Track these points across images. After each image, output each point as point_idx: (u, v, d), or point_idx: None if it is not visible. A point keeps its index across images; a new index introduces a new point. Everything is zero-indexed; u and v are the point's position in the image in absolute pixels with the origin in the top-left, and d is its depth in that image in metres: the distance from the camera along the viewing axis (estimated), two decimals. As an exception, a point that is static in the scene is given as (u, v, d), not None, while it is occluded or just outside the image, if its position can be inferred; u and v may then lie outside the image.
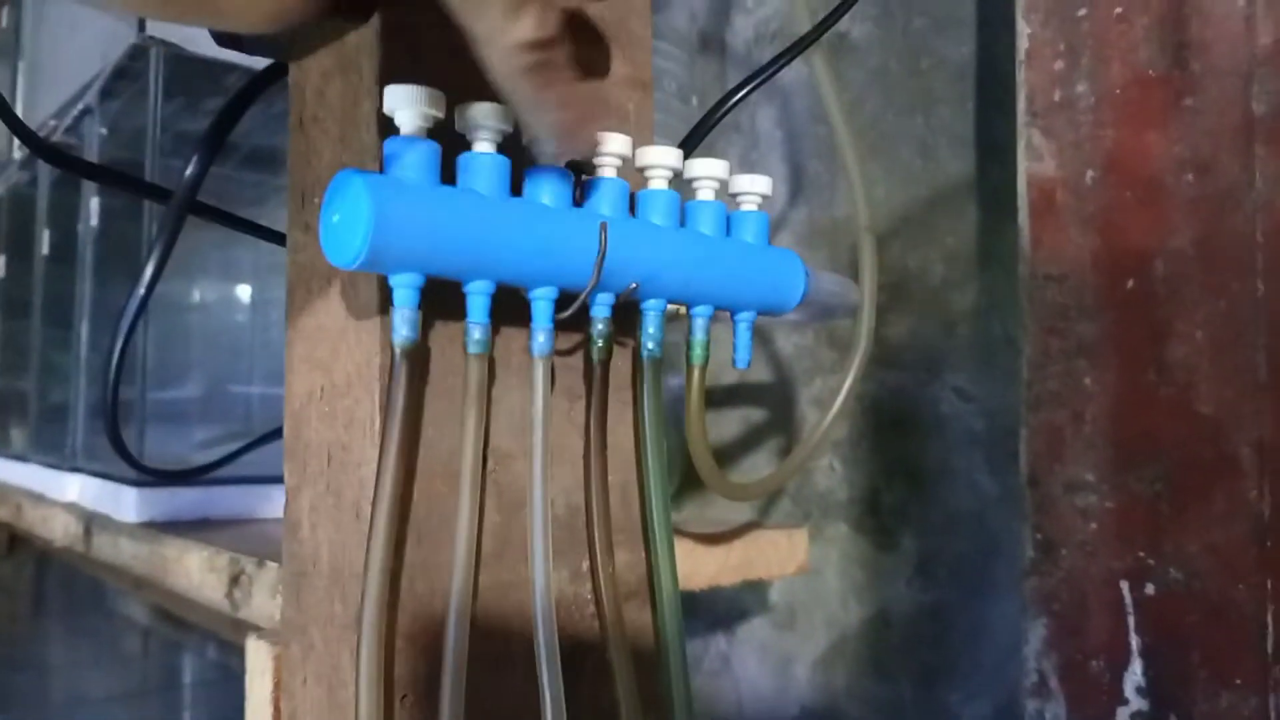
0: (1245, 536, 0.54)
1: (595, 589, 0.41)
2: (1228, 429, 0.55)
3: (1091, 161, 0.61)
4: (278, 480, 0.68)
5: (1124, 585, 0.58)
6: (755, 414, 0.94)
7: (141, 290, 0.45)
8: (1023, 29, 0.63)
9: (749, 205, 0.45)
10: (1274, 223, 0.54)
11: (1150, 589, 0.57)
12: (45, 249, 0.95)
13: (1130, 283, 0.59)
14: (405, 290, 0.35)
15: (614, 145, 0.39)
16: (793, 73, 0.91)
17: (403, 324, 0.35)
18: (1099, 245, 0.60)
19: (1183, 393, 0.56)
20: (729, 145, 0.96)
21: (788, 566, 0.64)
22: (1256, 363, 0.54)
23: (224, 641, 1.14)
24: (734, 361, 0.46)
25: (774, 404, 0.93)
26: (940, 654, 0.78)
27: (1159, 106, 0.58)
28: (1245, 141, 0.55)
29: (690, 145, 0.50)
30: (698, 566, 0.58)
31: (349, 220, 0.32)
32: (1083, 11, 0.61)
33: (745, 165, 0.94)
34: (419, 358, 0.37)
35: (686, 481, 0.86)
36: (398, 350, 0.35)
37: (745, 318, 0.46)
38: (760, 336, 0.92)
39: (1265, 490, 0.54)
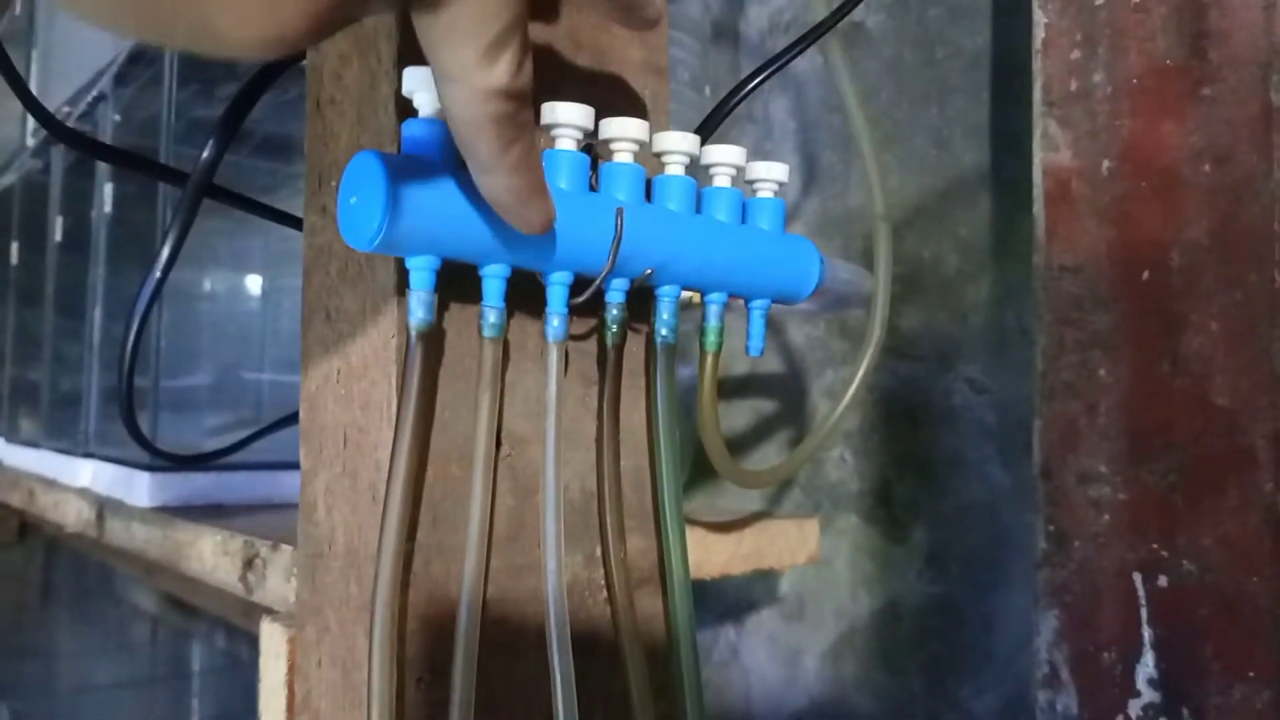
0: (1259, 529, 0.54)
1: (607, 575, 0.41)
2: (1243, 421, 0.55)
3: (1108, 151, 0.60)
4: (289, 466, 0.68)
5: (1137, 577, 0.58)
6: (766, 405, 0.94)
7: (157, 273, 0.45)
8: (1039, 18, 0.63)
9: (765, 192, 0.45)
10: (1291, 214, 0.54)
11: (1163, 581, 0.57)
12: (58, 236, 0.95)
13: (1145, 274, 0.58)
14: (421, 273, 0.35)
15: (631, 130, 0.39)
16: (806, 63, 0.91)
17: (419, 307, 0.35)
18: (1114, 236, 0.60)
19: (1198, 384, 0.56)
20: (742, 135, 0.96)
21: (798, 556, 0.64)
22: (1272, 354, 0.54)
23: (232, 630, 1.15)
24: (748, 349, 0.46)
25: (785, 395, 0.92)
26: (950, 646, 0.78)
27: (1176, 96, 0.58)
28: (1264, 131, 0.55)
29: (705, 132, 0.49)
30: (709, 554, 0.58)
31: (366, 202, 0.32)
32: (1100, 0, 0.61)
33: (759, 155, 0.94)
34: (435, 341, 0.37)
35: (697, 471, 0.86)
36: (413, 333, 0.35)
37: (759, 305, 0.46)
38: (771, 327, 0.92)
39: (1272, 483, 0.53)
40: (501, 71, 0.25)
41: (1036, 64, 0.63)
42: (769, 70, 0.52)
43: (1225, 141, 0.56)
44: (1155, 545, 0.57)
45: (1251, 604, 0.54)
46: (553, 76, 0.41)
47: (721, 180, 0.43)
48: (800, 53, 0.53)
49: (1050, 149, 0.62)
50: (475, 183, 0.30)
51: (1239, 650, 0.54)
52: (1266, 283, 0.54)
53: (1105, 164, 0.60)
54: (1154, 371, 0.58)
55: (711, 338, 0.44)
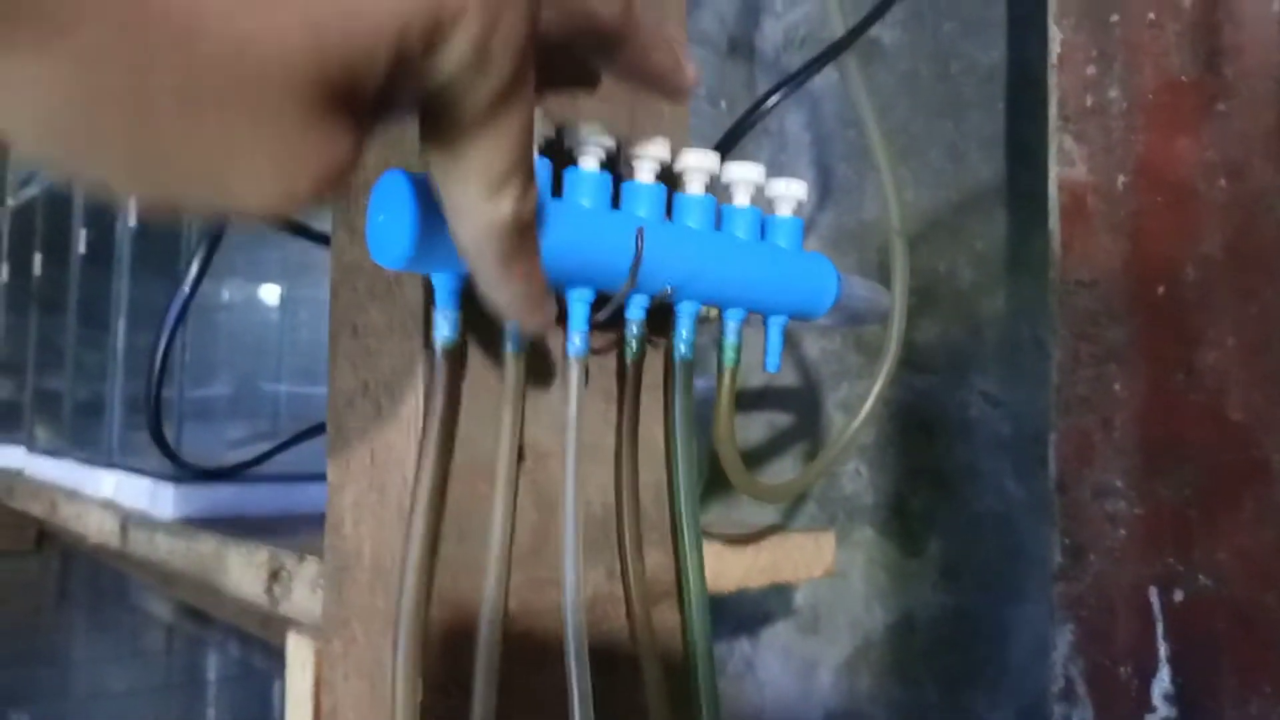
0: (1275, 543, 0.54)
1: (626, 589, 0.42)
2: (1258, 435, 0.55)
3: (1123, 167, 0.61)
4: (310, 478, 0.69)
5: (1153, 591, 0.58)
6: (781, 418, 0.94)
7: (187, 288, 0.45)
8: (1054, 34, 0.63)
9: (784, 210, 0.45)
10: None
11: (1179, 595, 0.57)
12: (82, 248, 0.96)
13: (1161, 288, 0.59)
14: (447, 290, 0.35)
15: (652, 149, 0.39)
16: (821, 77, 0.91)
17: (444, 323, 0.35)
18: (1130, 250, 0.60)
19: (1213, 398, 0.56)
20: (758, 148, 0.97)
21: (814, 569, 0.64)
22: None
23: (247, 638, 1.15)
24: (764, 365, 0.47)
25: (800, 408, 0.93)
26: (965, 658, 0.78)
27: (1191, 111, 0.58)
28: (1278, 146, 0.55)
29: (724, 149, 0.50)
30: (725, 568, 0.58)
31: (393, 221, 0.33)
32: (1115, 17, 0.61)
33: (774, 168, 0.94)
34: (459, 357, 0.38)
35: (713, 482, 0.87)
36: (439, 349, 0.35)
37: (777, 322, 0.46)
38: (786, 340, 0.92)
39: (1297, 497, 0.54)
40: (505, 208, 0.26)
41: (1052, 79, 0.64)
42: (787, 88, 0.53)
43: (1240, 156, 0.57)
44: (1171, 559, 0.57)
45: (1268, 618, 0.54)
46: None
47: (741, 198, 0.43)
48: (818, 70, 0.53)
49: (1066, 164, 0.63)
50: (478, 289, 0.31)
51: (1255, 665, 0.54)
52: (1282, 298, 0.55)
53: (1120, 179, 0.61)
54: (1169, 385, 0.58)
55: (729, 354, 0.45)
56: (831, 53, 0.53)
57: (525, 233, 0.27)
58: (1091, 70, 0.62)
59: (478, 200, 0.26)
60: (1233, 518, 0.55)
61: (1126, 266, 0.60)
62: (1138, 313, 0.59)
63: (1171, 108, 0.59)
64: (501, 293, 0.29)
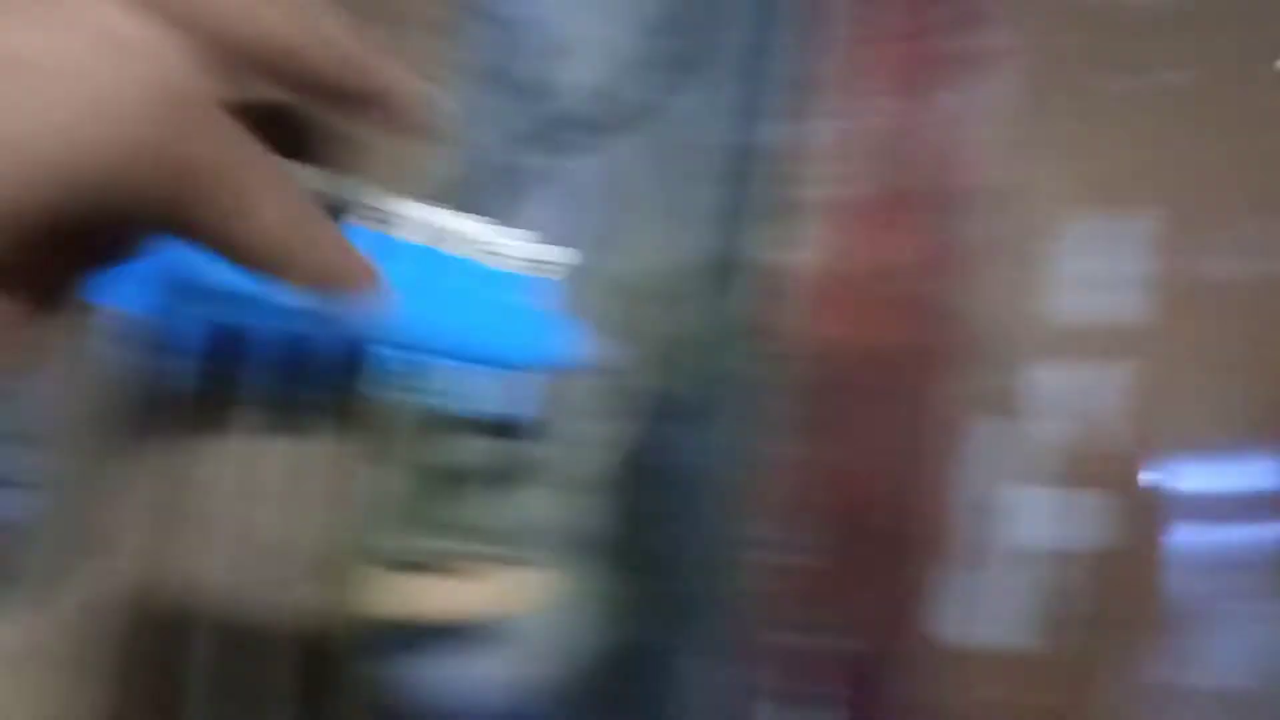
0: (911, 605, 0.62)
1: (317, 621, 0.43)
2: (897, 510, 0.63)
3: (832, 258, 0.68)
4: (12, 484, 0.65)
5: (805, 637, 0.65)
6: (501, 451, 0.96)
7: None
8: (794, 128, 0.71)
9: (518, 265, 0.48)
10: (960, 334, 0.62)
11: (824, 643, 0.64)
12: None
13: (847, 370, 0.66)
14: (160, 331, 0.36)
15: (381, 199, 0.40)
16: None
17: (155, 361, 0.36)
18: (828, 333, 0.68)
19: (870, 473, 0.64)
20: (532, 188, 0.99)
21: (524, 603, 0.66)
22: (926, 457, 0.63)
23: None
24: (481, 411, 0.49)
25: (521, 444, 0.95)
26: (660, 691, 0.83)
27: (890, 218, 0.67)
28: (953, 259, 0.64)
29: (471, 204, 0.51)
30: (429, 600, 0.59)
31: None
32: (843, 124, 0.69)
33: (522, 213, 0.96)
34: (164, 394, 0.38)
35: (422, 516, 0.87)
36: (145, 387, 0.36)
37: (503, 372, 0.49)
38: (521, 374, 0.94)
39: (915, 565, 0.62)
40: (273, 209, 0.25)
41: (785, 168, 0.71)
42: (568, 155, 0.55)
43: (919, 264, 0.65)
44: (823, 610, 0.64)
45: (884, 667, 0.62)
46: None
47: (473, 251, 0.45)
48: (584, 152, 0.56)
49: (786, 247, 0.70)
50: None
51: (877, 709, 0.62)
52: (932, 394, 0.63)
53: (834, 268, 0.68)
54: (840, 458, 0.65)
55: (443, 401, 0.47)
56: (599, 132, 0.56)
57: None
58: (819, 167, 0.69)
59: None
60: (867, 581, 0.63)
61: (824, 347, 0.67)
62: (829, 390, 0.66)
63: (875, 212, 0.67)
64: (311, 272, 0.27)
